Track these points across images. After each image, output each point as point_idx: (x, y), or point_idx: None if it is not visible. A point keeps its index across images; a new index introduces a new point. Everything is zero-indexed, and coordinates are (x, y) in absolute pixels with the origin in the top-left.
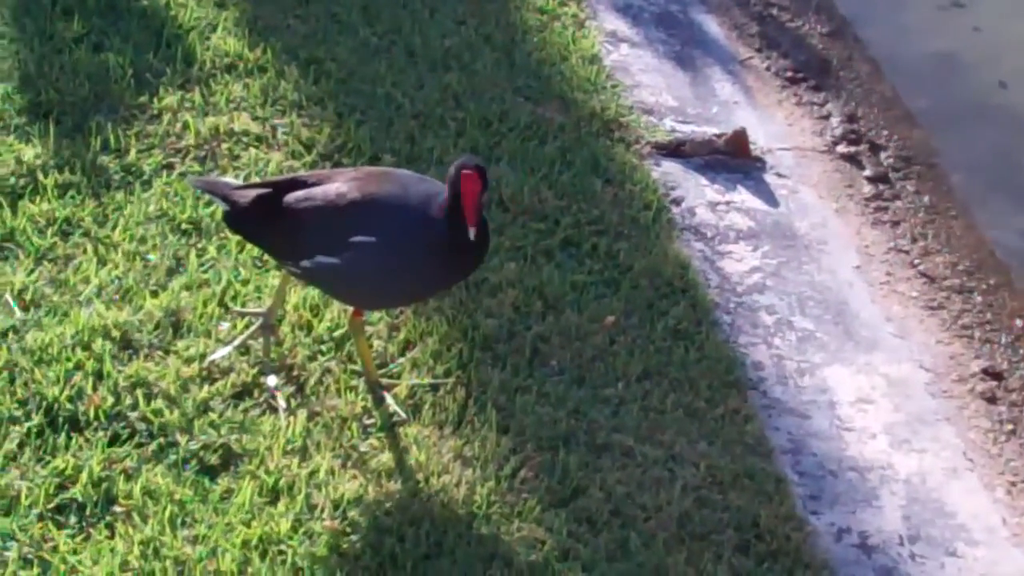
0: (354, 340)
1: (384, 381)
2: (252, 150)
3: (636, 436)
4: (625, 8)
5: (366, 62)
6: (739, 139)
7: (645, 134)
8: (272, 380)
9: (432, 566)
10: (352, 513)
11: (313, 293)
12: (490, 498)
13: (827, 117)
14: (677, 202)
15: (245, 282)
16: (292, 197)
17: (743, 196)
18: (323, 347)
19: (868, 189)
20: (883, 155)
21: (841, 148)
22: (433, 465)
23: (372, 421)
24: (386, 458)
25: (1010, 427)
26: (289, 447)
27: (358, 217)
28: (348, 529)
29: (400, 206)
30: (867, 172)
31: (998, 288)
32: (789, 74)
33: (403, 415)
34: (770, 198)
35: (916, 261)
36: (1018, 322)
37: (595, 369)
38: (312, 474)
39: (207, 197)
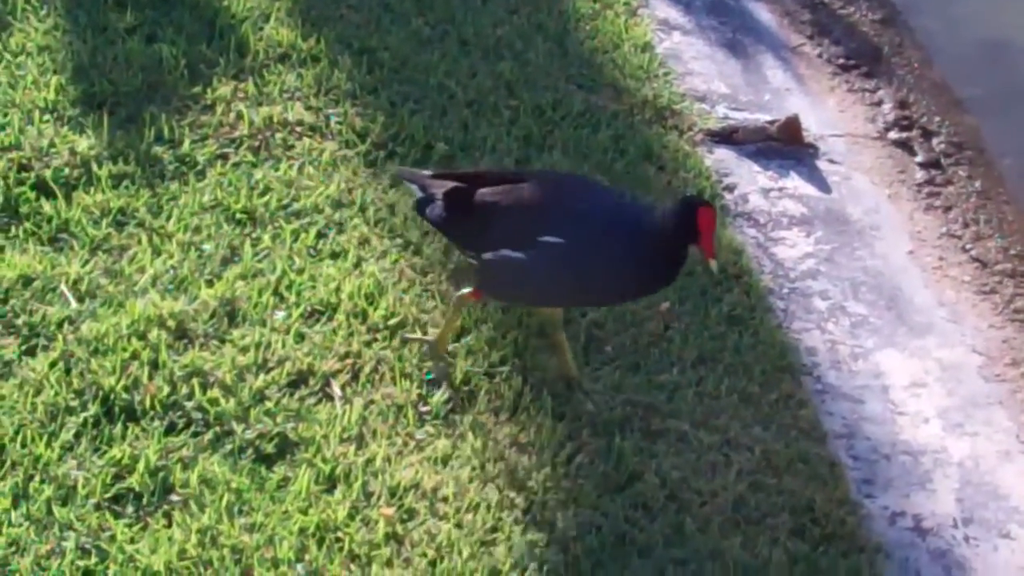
0: (452, 312)
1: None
2: (306, 140)
3: (691, 421)
4: None
5: (419, 51)
6: (791, 126)
7: (698, 121)
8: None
9: (489, 552)
10: (408, 500)
11: (368, 281)
12: (546, 484)
13: (879, 104)
14: (730, 189)
15: (300, 271)
16: (487, 193)
17: (796, 183)
18: (379, 335)
19: (920, 175)
20: (935, 141)
21: (893, 134)
22: (489, 452)
23: (428, 409)
24: (442, 445)
25: None
26: (345, 435)
27: (549, 219)
28: (405, 516)
29: (591, 215)
30: (919, 158)
31: None
32: (840, 61)
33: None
34: (823, 184)
35: (968, 246)
36: None
37: (650, 355)
38: (368, 462)
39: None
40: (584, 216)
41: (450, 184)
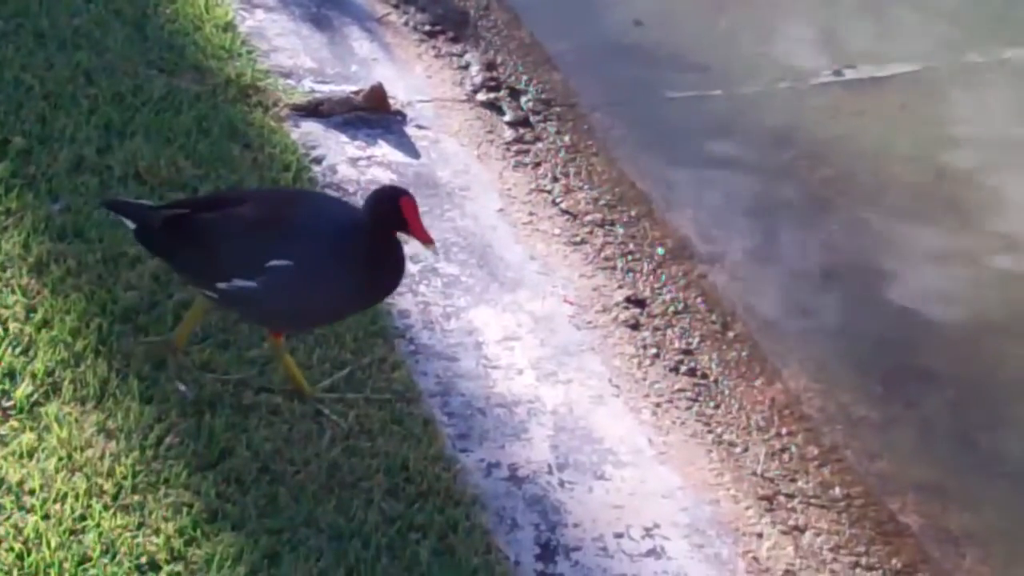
0: (278, 361)
1: (319, 394)
2: None
3: (284, 393)
4: None
5: None
6: (377, 94)
7: (283, 97)
8: (181, 385)
9: (78, 541)
10: None
11: None
12: (135, 468)
13: (466, 67)
14: (318, 161)
15: None
16: (204, 217)
17: (384, 150)
18: None
19: (509, 134)
20: (523, 99)
21: (481, 96)
22: (76, 441)
23: (11, 403)
24: (27, 439)
25: (654, 351)
26: None
27: (274, 240)
28: None
29: (316, 229)
30: (507, 117)
31: (639, 219)
32: (427, 28)
33: (344, 425)
34: (411, 150)
35: (558, 199)
36: (659, 250)
37: (239, 331)
38: None
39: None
40: (307, 232)
41: (166, 213)
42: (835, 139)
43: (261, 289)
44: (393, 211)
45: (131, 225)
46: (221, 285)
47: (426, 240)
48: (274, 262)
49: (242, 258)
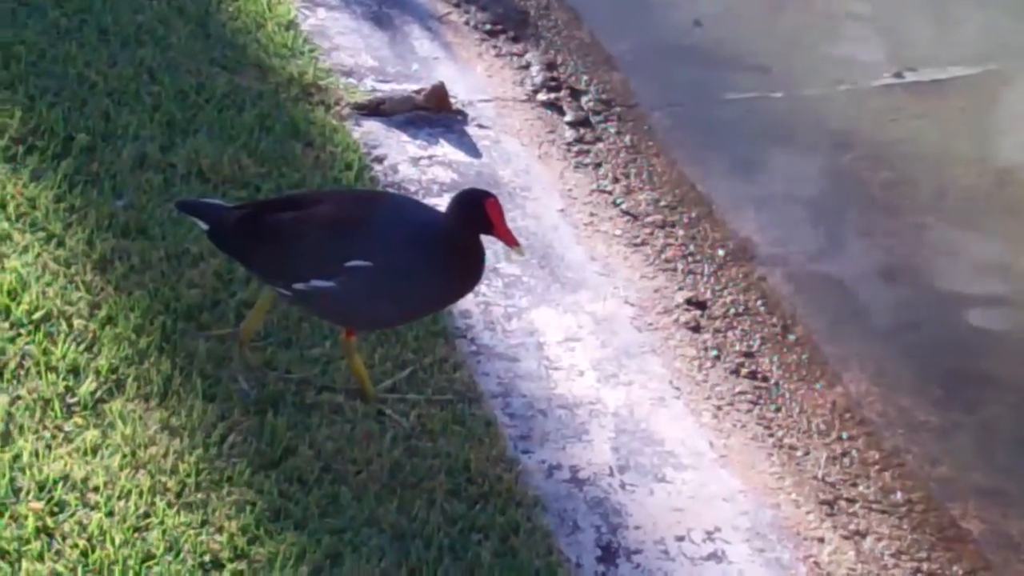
0: (347, 360)
1: (382, 395)
2: None
3: (346, 393)
4: None
5: (56, 43)
6: (438, 93)
7: (345, 96)
8: (244, 384)
9: (142, 538)
10: (58, 492)
11: (10, 277)
12: (199, 466)
13: (527, 67)
14: (379, 160)
15: None
16: (282, 217)
17: (445, 149)
18: (23, 330)
19: (570, 134)
20: (584, 100)
21: (541, 96)
22: (139, 438)
23: (76, 400)
24: (91, 435)
25: (714, 353)
26: None
27: (353, 240)
28: (55, 509)
29: (396, 229)
30: (568, 117)
31: (699, 220)
32: (488, 27)
33: (406, 425)
34: (472, 149)
35: (619, 200)
36: (720, 252)
37: (301, 330)
38: (16, 457)
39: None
40: (387, 232)
41: (240, 213)
42: (895, 142)
43: (339, 289)
44: (478, 213)
45: (204, 226)
46: (298, 286)
47: (511, 242)
48: (353, 262)
49: (320, 258)
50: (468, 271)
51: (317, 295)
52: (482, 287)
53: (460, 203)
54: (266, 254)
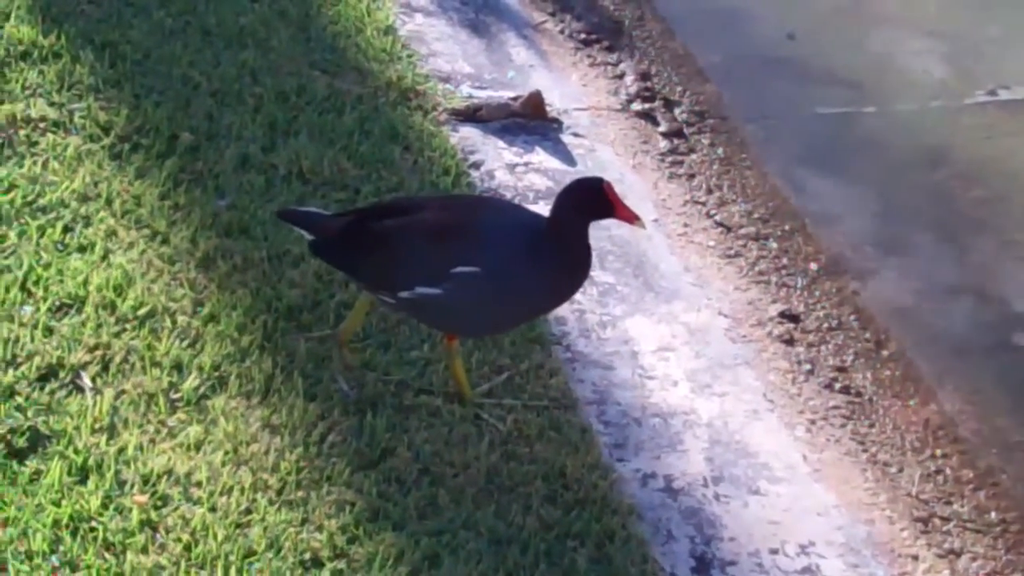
0: (448, 364)
1: (478, 400)
2: (49, 135)
3: (443, 395)
4: None
5: (161, 43)
6: (535, 101)
7: (442, 101)
8: (344, 384)
9: (243, 534)
10: (162, 487)
11: (116, 273)
12: (299, 464)
13: (621, 76)
14: (476, 166)
15: (47, 266)
16: (385, 225)
17: (541, 157)
18: (128, 325)
19: (663, 144)
20: (677, 111)
21: (636, 106)
22: (241, 435)
23: (179, 396)
24: (194, 431)
25: (808, 367)
26: (96, 426)
27: (459, 246)
28: (158, 503)
29: (501, 234)
30: (662, 128)
31: (792, 233)
32: (583, 36)
33: (503, 430)
34: (567, 158)
35: (712, 212)
36: (812, 265)
37: (400, 332)
38: (120, 451)
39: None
40: (493, 237)
41: (342, 221)
42: (989, 160)
43: (445, 296)
44: (598, 198)
45: (307, 236)
46: (404, 294)
47: (632, 218)
48: (460, 268)
49: (426, 265)
50: (577, 264)
51: (423, 303)
52: (577, 295)
53: (575, 191)
54: (371, 263)
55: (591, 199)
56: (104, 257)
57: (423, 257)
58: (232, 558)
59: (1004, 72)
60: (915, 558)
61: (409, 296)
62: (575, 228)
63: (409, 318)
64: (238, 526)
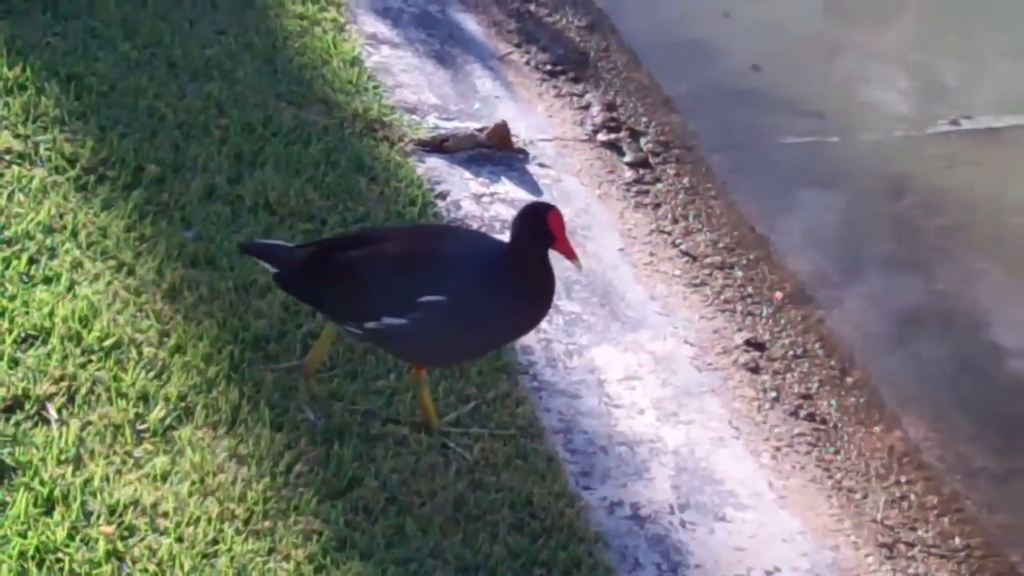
0: (416, 393)
1: (446, 428)
2: (15, 167)
3: (410, 424)
4: (384, 11)
5: (127, 75)
6: (501, 132)
7: (408, 132)
8: (310, 414)
9: (211, 564)
10: (128, 517)
11: (82, 304)
12: (266, 494)
13: (587, 107)
14: (443, 196)
15: (12, 298)
16: (349, 256)
17: (507, 187)
18: (93, 357)
19: (629, 174)
20: (643, 141)
21: (601, 136)
22: (208, 465)
23: (146, 427)
24: (161, 462)
25: (773, 395)
26: (62, 457)
27: (425, 275)
28: (125, 533)
29: (466, 262)
30: (627, 158)
31: (758, 262)
32: (548, 67)
33: (469, 459)
34: (534, 188)
35: (678, 241)
36: (778, 294)
37: (367, 362)
38: (87, 482)
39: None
40: (458, 265)
41: (305, 253)
42: (951, 189)
43: (412, 325)
44: (540, 224)
45: (271, 269)
46: (370, 324)
47: (570, 255)
48: (426, 297)
49: (392, 296)
50: (540, 290)
51: (390, 333)
52: (544, 324)
53: (524, 216)
54: (337, 295)
55: (537, 224)
56: (70, 288)
57: (389, 287)
58: None
59: (966, 102)
60: None
61: (376, 327)
62: (532, 253)
63: (376, 348)
64: (205, 556)
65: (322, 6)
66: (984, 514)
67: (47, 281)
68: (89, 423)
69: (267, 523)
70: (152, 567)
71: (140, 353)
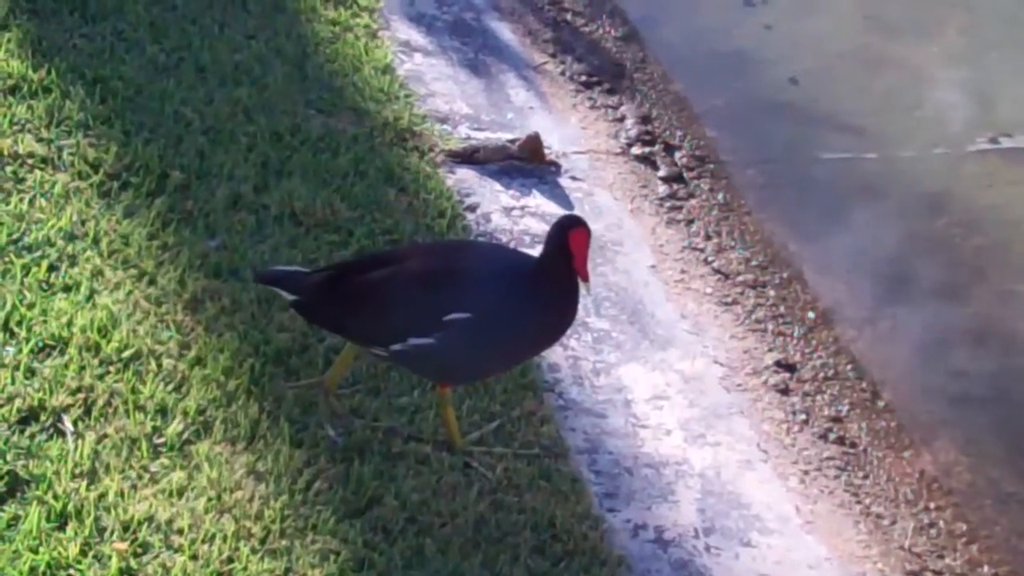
0: (440, 410)
1: (468, 447)
2: (37, 172)
3: (432, 443)
4: (418, 18)
5: (153, 79)
6: (533, 144)
7: (439, 142)
8: (331, 431)
9: None
10: (143, 533)
11: (101, 314)
12: (284, 512)
13: (621, 120)
14: (472, 208)
15: (31, 306)
16: (371, 278)
17: (538, 200)
18: (112, 368)
19: (662, 189)
20: (677, 155)
21: (635, 150)
22: (225, 482)
23: (163, 440)
24: (177, 477)
25: (803, 417)
26: (77, 471)
27: (450, 293)
28: (139, 550)
29: (492, 277)
30: (661, 172)
31: (790, 282)
32: (583, 78)
33: (492, 478)
34: (565, 201)
35: (710, 258)
36: (810, 314)
37: (390, 379)
38: (101, 496)
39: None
40: (483, 281)
41: (323, 277)
42: (990, 208)
43: (439, 344)
44: (561, 239)
45: (288, 297)
46: (396, 346)
47: (583, 275)
48: (453, 315)
49: (418, 316)
50: (564, 309)
51: (416, 353)
52: (571, 341)
53: (553, 229)
54: (360, 319)
55: (560, 240)
56: (89, 297)
57: (414, 307)
58: None
59: (1006, 120)
60: None
61: (402, 348)
62: (558, 264)
63: (403, 370)
64: (219, 575)
65: (355, 12)
66: (1013, 541)
67: (67, 289)
68: (105, 436)
69: (284, 542)
70: None
71: (159, 365)
